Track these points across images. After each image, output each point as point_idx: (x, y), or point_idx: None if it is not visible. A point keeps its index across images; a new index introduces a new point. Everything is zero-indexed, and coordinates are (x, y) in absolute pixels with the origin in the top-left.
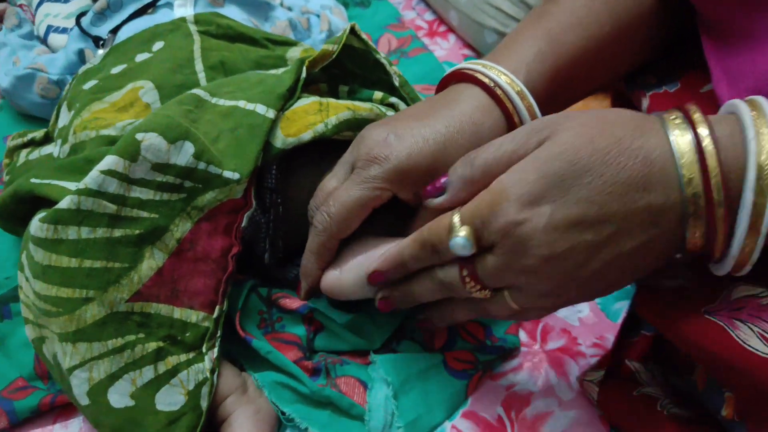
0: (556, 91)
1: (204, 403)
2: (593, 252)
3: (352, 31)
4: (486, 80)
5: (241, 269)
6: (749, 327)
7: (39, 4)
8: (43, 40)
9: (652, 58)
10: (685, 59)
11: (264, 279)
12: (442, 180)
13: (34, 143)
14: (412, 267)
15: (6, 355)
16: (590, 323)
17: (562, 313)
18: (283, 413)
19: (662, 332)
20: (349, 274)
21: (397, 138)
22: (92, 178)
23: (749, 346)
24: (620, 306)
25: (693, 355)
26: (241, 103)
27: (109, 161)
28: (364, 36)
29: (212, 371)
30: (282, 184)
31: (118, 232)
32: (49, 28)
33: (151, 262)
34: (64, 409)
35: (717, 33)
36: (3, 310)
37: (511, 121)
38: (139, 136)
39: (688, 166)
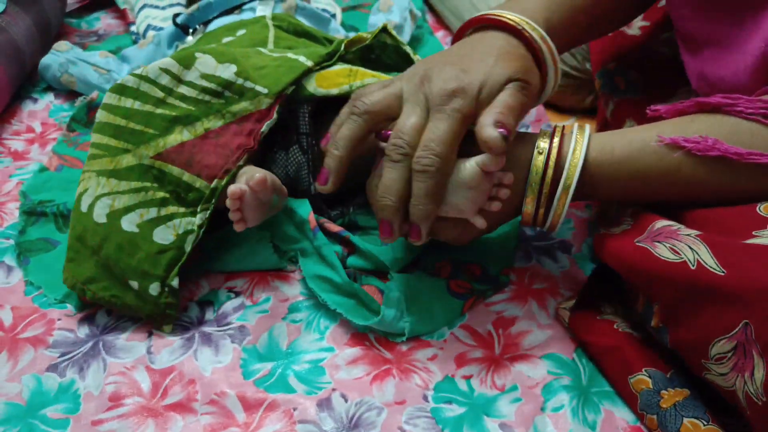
0: (560, 36)
1: (187, 247)
2: None
3: (384, 29)
4: (512, 23)
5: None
6: (663, 245)
7: (141, 9)
8: (142, 35)
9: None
10: (650, 75)
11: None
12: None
13: None
14: None
15: None
16: (570, 275)
17: (548, 266)
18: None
19: (607, 262)
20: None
21: (464, 72)
22: (152, 68)
23: (663, 257)
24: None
25: (629, 276)
26: (289, 54)
27: (168, 62)
28: (394, 33)
29: (200, 227)
30: (313, 130)
31: (158, 110)
32: (149, 27)
33: (178, 137)
34: None
35: (692, 44)
36: None
37: (538, 59)
38: (197, 54)
39: (537, 159)
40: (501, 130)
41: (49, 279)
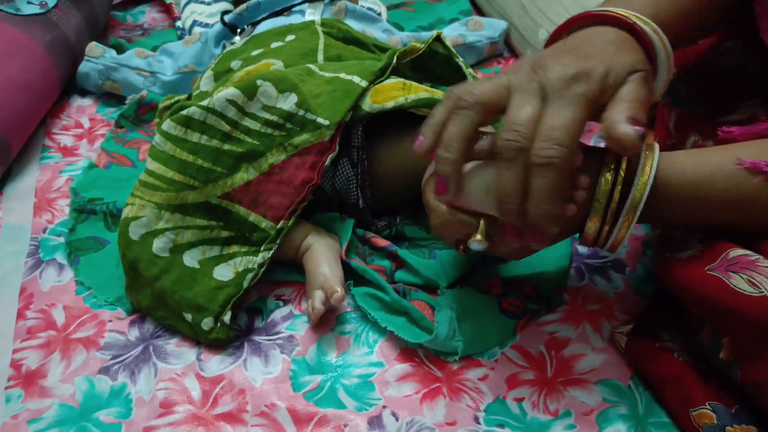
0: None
1: (245, 284)
2: None
3: (438, 38)
4: (623, 17)
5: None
6: (740, 276)
7: (186, 4)
8: (188, 31)
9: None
10: (713, 86)
11: (358, 224)
12: None
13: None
14: None
15: None
16: (624, 297)
17: (601, 286)
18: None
19: (673, 289)
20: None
21: (585, 58)
22: (219, 100)
23: (740, 289)
24: (650, 287)
25: (697, 306)
26: (342, 75)
27: (233, 93)
28: (447, 43)
29: (260, 265)
30: (365, 144)
31: (226, 146)
32: (195, 23)
33: (244, 175)
34: None
35: None
36: None
37: (651, 54)
38: (258, 81)
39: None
40: (637, 127)
41: (100, 280)
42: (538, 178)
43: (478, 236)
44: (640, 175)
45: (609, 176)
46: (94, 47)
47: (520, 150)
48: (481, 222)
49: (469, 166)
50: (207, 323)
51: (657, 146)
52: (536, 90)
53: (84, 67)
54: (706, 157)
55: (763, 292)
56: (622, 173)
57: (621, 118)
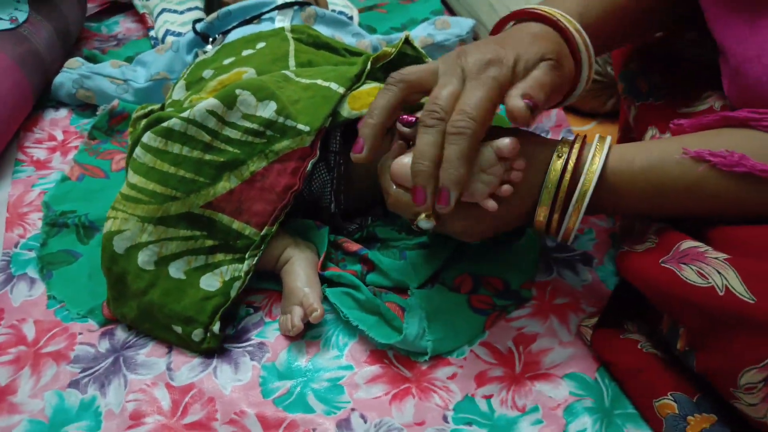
0: (593, 35)
1: (233, 293)
2: None
3: (407, 40)
4: (548, 15)
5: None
6: (690, 267)
7: (159, 14)
8: (161, 40)
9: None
10: (674, 78)
11: (331, 228)
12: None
13: (152, 114)
14: None
15: None
16: (592, 290)
17: (570, 279)
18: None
19: (632, 282)
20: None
21: (501, 47)
22: (199, 111)
23: (690, 281)
24: (617, 279)
25: (654, 297)
26: (319, 81)
27: (213, 103)
28: (416, 44)
29: (246, 273)
30: (343, 149)
31: (208, 156)
32: (167, 32)
33: (226, 184)
34: None
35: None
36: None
37: (572, 49)
38: (237, 91)
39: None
40: (527, 101)
41: (72, 293)
42: (451, 144)
43: (423, 215)
44: (589, 165)
45: (559, 165)
46: (74, 61)
47: (438, 120)
48: (428, 200)
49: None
50: (197, 334)
51: (609, 138)
52: (458, 73)
53: (60, 77)
54: (654, 147)
55: (710, 282)
56: (571, 163)
57: (516, 93)
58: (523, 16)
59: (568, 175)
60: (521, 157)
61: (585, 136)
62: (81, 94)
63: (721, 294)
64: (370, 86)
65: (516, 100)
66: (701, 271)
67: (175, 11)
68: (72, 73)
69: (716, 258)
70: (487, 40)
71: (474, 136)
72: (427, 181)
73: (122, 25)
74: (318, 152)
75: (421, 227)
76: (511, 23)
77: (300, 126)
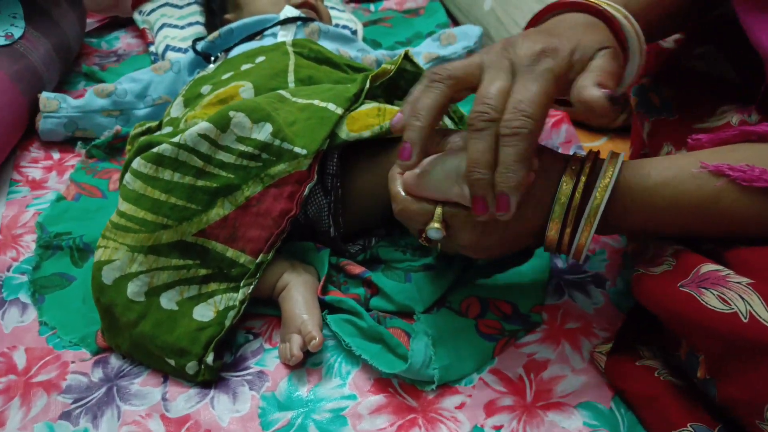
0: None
1: (227, 323)
2: None
3: (406, 56)
4: (592, 3)
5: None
6: (711, 292)
7: (159, 29)
8: (161, 56)
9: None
10: (686, 93)
11: (333, 251)
12: None
13: (150, 131)
14: None
15: None
16: (605, 313)
17: (581, 302)
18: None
19: (648, 307)
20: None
21: (553, 36)
22: (190, 135)
23: (711, 306)
24: (630, 302)
25: (671, 322)
26: (316, 102)
27: (205, 127)
28: (416, 60)
29: (241, 302)
30: (341, 171)
31: (200, 182)
32: (168, 47)
33: (220, 210)
34: None
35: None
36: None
37: (621, 38)
38: (231, 113)
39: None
40: (605, 90)
41: (64, 319)
42: (507, 146)
43: (436, 224)
44: (602, 179)
45: (571, 180)
46: (46, 101)
47: (489, 121)
48: (438, 208)
49: (429, 158)
50: (191, 367)
51: (622, 154)
52: (507, 66)
53: (45, 124)
54: (670, 161)
55: (733, 308)
56: (583, 177)
57: (589, 83)
58: (565, 6)
59: (580, 190)
60: (535, 155)
61: (598, 151)
62: (80, 135)
63: (745, 321)
64: (369, 106)
65: (593, 90)
66: (723, 296)
67: (175, 26)
68: (58, 117)
69: (739, 282)
70: (531, 31)
71: (532, 135)
72: (487, 190)
73: (122, 40)
74: (315, 176)
75: (431, 237)
76: (549, 16)
77: (297, 149)
